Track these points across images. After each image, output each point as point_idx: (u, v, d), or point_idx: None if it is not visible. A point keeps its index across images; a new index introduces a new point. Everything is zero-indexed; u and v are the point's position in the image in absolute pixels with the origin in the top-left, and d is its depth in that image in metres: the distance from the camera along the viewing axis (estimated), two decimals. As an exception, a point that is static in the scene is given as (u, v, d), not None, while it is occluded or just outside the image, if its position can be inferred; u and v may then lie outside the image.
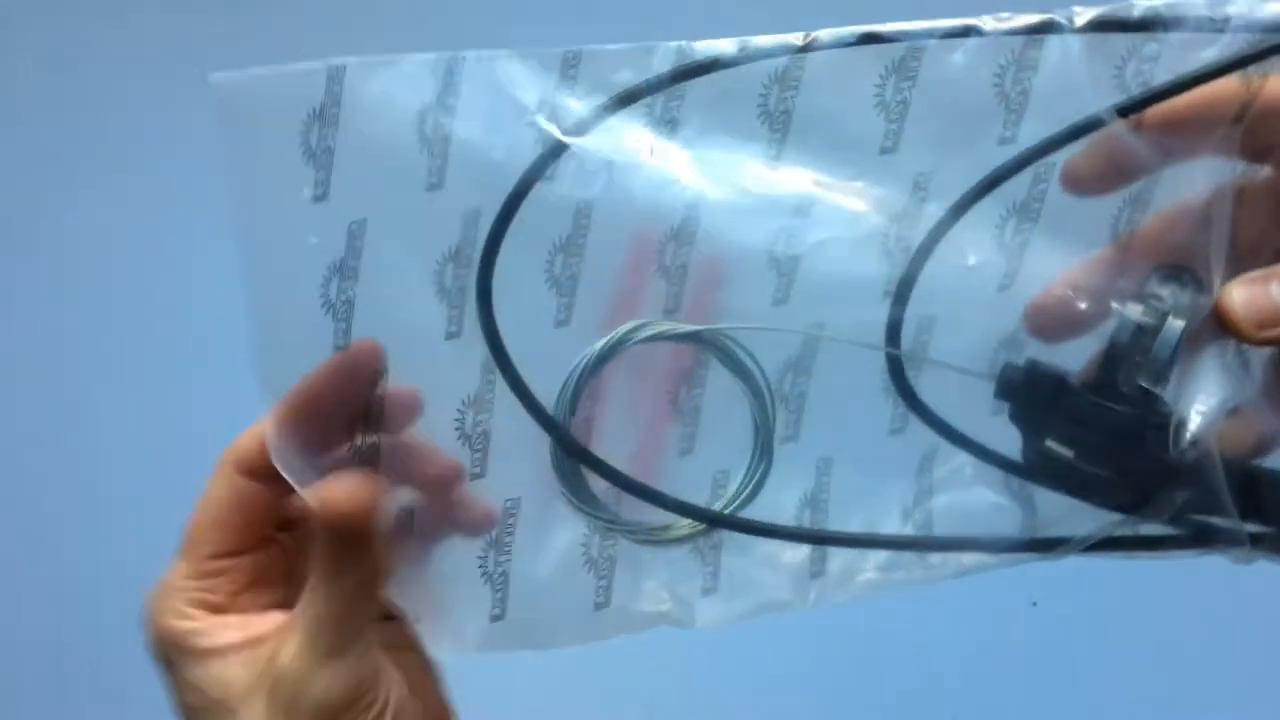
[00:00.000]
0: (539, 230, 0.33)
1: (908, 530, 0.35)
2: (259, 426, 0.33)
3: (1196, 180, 0.32)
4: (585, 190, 0.32)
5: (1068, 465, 0.32)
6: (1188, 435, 0.30)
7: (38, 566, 0.72)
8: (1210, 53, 0.30)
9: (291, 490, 0.33)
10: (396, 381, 0.33)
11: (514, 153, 0.32)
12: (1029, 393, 0.33)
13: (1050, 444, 0.32)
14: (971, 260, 0.33)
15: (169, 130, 0.53)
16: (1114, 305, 0.31)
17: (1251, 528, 0.32)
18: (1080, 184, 0.32)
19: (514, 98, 0.31)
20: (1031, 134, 0.32)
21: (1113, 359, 0.31)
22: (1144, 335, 0.31)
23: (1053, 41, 0.31)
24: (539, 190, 0.32)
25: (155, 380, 0.71)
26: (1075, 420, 0.32)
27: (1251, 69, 0.30)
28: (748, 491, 0.35)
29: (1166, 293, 0.32)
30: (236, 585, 0.34)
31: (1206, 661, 0.71)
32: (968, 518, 0.35)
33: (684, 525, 0.35)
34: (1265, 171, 0.32)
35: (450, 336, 0.33)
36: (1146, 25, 0.30)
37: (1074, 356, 0.33)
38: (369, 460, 0.34)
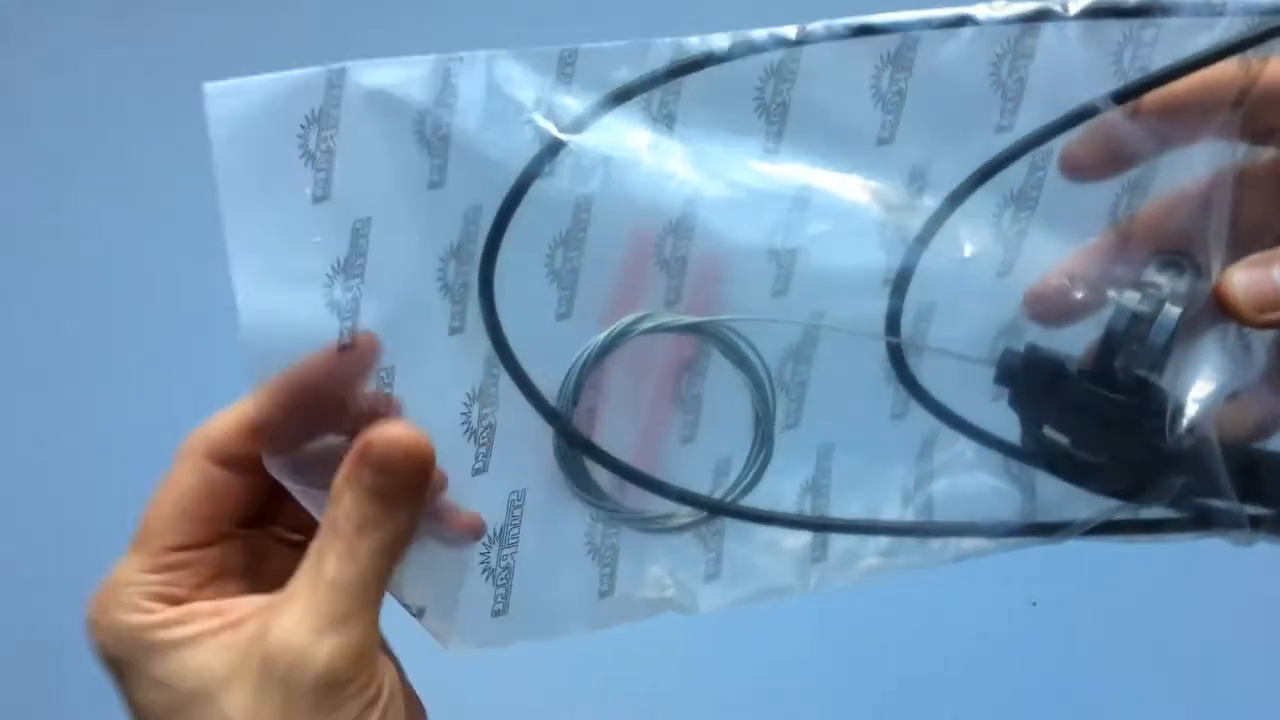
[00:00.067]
0: (539, 226, 0.33)
1: (908, 515, 0.35)
2: (232, 413, 0.32)
3: (1196, 166, 0.31)
4: (584, 186, 0.32)
5: (1064, 452, 0.32)
6: (1184, 422, 0.30)
7: (38, 567, 0.72)
8: (1208, 37, 0.30)
9: (263, 481, 0.32)
10: (402, 378, 0.33)
11: (513, 151, 0.32)
12: (1028, 378, 0.33)
13: (1047, 430, 0.33)
14: (970, 249, 0.33)
15: (170, 130, 0.53)
16: (1110, 293, 0.32)
17: (1252, 510, 0.32)
18: (1079, 169, 0.32)
19: (512, 97, 0.31)
20: (1028, 122, 0.32)
21: (1109, 347, 0.31)
22: (1140, 323, 0.31)
23: (1048, 29, 0.31)
24: (539, 187, 0.32)
25: (155, 380, 0.72)
26: (1071, 407, 0.32)
27: (1250, 52, 0.30)
28: (749, 479, 0.35)
29: (1164, 280, 0.31)
30: (200, 579, 0.31)
31: (1206, 661, 0.71)
32: (968, 502, 0.35)
33: (686, 513, 0.35)
34: (1268, 153, 0.31)
35: (454, 332, 0.33)
36: (1143, 11, 0.30)
37: (1076, 341, 0.33)
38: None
